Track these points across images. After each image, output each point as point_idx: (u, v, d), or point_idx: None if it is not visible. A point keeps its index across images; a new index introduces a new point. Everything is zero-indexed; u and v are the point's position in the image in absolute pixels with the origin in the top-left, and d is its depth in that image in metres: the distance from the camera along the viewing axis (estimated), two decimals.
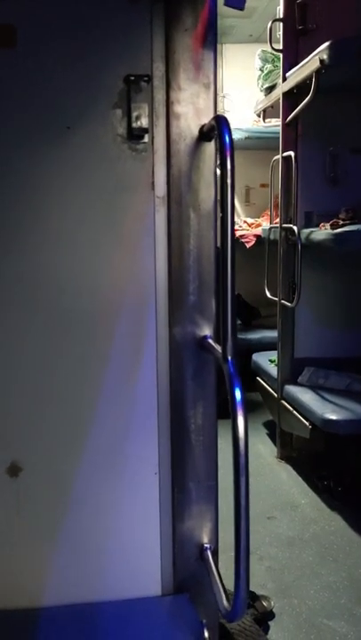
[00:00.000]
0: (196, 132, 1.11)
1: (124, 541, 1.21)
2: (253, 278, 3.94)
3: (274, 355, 3.41)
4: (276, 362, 3.31)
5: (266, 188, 3.99)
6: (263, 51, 3.43)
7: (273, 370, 3.39)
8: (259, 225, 4.26)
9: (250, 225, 4.46)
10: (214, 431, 1.21)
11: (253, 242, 4.30)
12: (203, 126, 1.09)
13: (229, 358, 0.97)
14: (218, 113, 1.07)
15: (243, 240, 4.31)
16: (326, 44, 2.56)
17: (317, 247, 2.85)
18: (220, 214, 1.06)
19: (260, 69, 3.41)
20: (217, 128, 0.96)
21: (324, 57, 2.56)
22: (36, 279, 1.12)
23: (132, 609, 1.19)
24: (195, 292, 1.16)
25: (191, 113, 1.11)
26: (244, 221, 4.55)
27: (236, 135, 4.39)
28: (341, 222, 2.73)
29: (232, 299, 0.98)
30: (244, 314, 4.57)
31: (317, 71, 2.63)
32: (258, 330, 4.45)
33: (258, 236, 4.19)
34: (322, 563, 2.38)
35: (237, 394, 0.92)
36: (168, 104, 1.10)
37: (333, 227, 2.71)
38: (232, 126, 4.03)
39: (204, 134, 1.09)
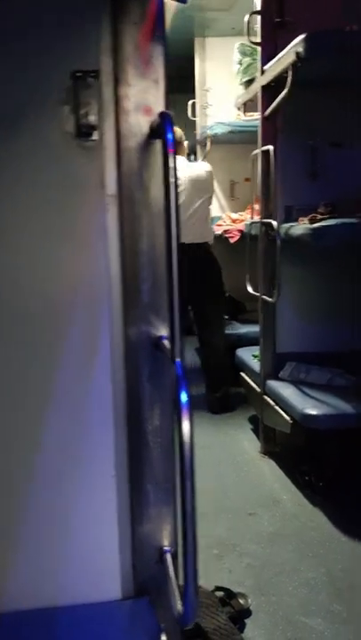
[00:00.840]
0: (146, 128, 1.09)
1: (82, 545, 1.19)
2: (239, 273, 3.92)
3: (257, 350, 3.40)
4: (259, 357, 3.30)
5: (250, 182, 3.97)
6: (242, 44, 3.41)
7: (256, 365, 3.38)
8: (243, 220, 4.24)
9: (234, 220, 4.44)
10: (172, 432, 1.20)
11: (238, 237, 4.29)
12: (152, 122, 1.07)
13: (177, 360, 0.96)
14: (165, 110, 1.05)
15: (227, 235, 4.29)
16: (302, 36, 2.54)
17: (297, 242, 2.84)
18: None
19: (239, 63, 3.39)
20: (160, 125, 0.94)
21: (300, 50, 2.53)
22: None
23: (90, 613, 1.18)
24: (149, 291, 1.14)
25: (141, 109, 1.08)
26: (228, 216, 4.53)
27: (219, 129, 4.37)
28: (320, 217, 2.72)
29: (179, 299, 0.96)
30: (230, 308, 4.56)
31: (294, 64, 2.61)
32: (243, 324, 4.44)
33: (242, 231, 4.17)
34: (302, 559, 2.38)
35: (183, 397, 0.90)
36: (117, 100, 1.08)
37: (312, 221, 2.69)
38: (215, 120, 4.05)
39: (154, 131, 1.07)
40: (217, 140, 4.55)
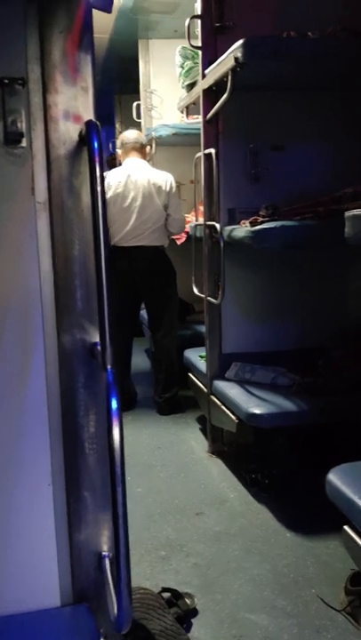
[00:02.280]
0: (75, 136, 1.09)
1: (20, 554, 1.18)
2: (186, 275, 3.95)
3: (204, 350, 3.44)
4: (206, 357, 3.33)
5: (194, 184, 4.00)
6: (183, 47, 3.43)
7: (203, 365, 3.41)
8: (189, 221, 4.27)
9: None
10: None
11: (184, 239, 4.31)
12: (81, 130, 1.07)
13: (108, 367, 0.96)
14: (91, 118, 1.05)
15: (174, 237, 4.31)
16: (240, 42, 2.57)
17: (239, 244, 2.88)
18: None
19: (181, 66, 3.41)
20: (86, 134, 0.95)
21: (239, 55, 2.57)
22: None
23: (29, 622, 1.17)
24: (82, 298, 1.14)
25: (70, 117, 1.08)
26: None
27: (163, 131, 4.39)
28: (261, 219, 2.76)
29: (108, 306, 0.97)
30: (179, 310, 4.58)
31: (233, 69, 2.64)
32: (191, 325, 4.47)
33: (188, 233, 4.20)
34: (247, 556, 2.41)
35: (113, 404, 0.91)
36: (45, 108, 1.08)
37: (253, 224, 2.74)
38: (159, 122, 4.05)
39: (84, 138, 1.07)
40: (162, 142, 4.57)
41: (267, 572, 2.30)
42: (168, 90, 4.65)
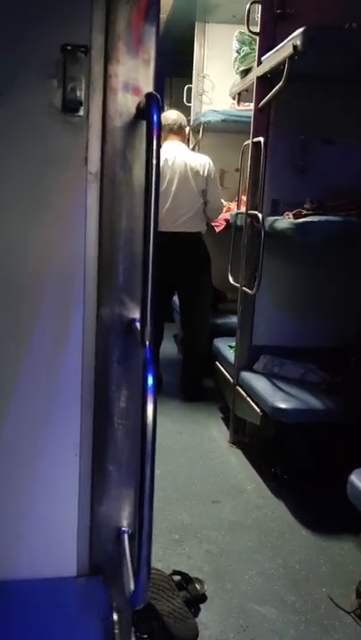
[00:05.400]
0: (133, 108, 1.08)
1: (41, 521, 1.20)
2: (221, 262, 3.92)
3: (234, 341, 3.42)
4: (235, 348, 3.32)
5: (239, 172, 3.96)
6: (241, 32, 3.38)
7: (231, 355, 3.40)
8: (229, 209, 4.23)
9: None
10: (138, 415, 1.20)
11: (223, 226, 4.28)
12: (140, 103, 1.06)
13: (147, 343, 0.96)
14: (153, 91, 1.04)
15: (213, 224, 4.28)
16: (300, 29, 2.52)
17: (280, 236, 2.84)
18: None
19: (238, 51, 3.36)
20: (146, 106, 0.94)
21: (298, 43, 2.52)
22: None
23: (44, 588, 1.18)
24: (124, 273, 1.14)
25: (129, 88, 1.07)
26: None
27: (212, 117, 4.35)
28: (305, 212, 2.72)
29: (153, 284, 0.96)
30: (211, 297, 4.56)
31: (291, 57, 2.60)
32: (223, 314, 4.44)
33: (228, 221, 4.16)
34: (260, 549, 2.41)
35: (149, 380, 0.90)
36: (106, 77, 1.07)
37: (296, 216, 2.70)
38: (208, 108, 4.01)
39: (141, 111, 1.06)
40: (209, 128, 4.53)
41: (278, 567, 2.30)
42: (220, 75, 4.60)
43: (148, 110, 0.92)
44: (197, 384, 4.05)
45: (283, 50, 2.70)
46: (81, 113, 1.07)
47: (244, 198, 3.35)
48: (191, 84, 4.88)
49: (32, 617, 1.09)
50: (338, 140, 3.11)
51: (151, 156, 0.91)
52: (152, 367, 0.92)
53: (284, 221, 2.77)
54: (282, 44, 2.73)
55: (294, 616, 2.02)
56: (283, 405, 2.67)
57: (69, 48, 1.04)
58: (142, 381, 0.90)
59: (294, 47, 2.53)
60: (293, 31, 2.62)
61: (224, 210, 4.18)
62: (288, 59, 2.62)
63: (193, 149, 4.57)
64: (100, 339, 1.16)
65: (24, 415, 1.15)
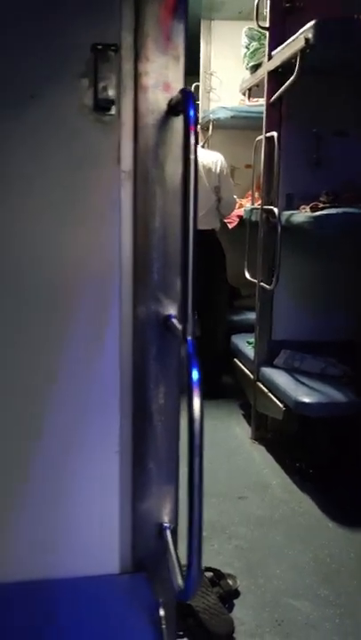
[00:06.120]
0: (164, 105, 1.08)
1: (83, 519, 1.20)
2: (235, 259, 3.93)
3: (252, 337, 3.42)
4: (254, 344, 3.32)
5: (250, 168, 3.95)
6: (250, 28, 3.38)
7: (250, 352, 3.40)
8: (242, 206, 4.23)
9: None
10: (177, 411, 1.20)
11: (236, 223, 4.28)
12: (171, 100, 1.07)
13: (189, 338, 0.96)
14: (185, 87, 1.04)
15: (226, 221, 4.28)
16: (312, 22, 2.53)
17: (297, 230, 2.84)
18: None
19: (247, 47, 3.36)
20: (182, 101, 0.94)
21: (310, 36, 2.52)
22: None
23: (88, 586, 1.19)
24: (160, 270, 1.14)
25: (160, 86, 1.07)
26: None
27: (222, 114, 4.34)
28: (321, 205, 2.72)
29: (194, 278, 0.96)
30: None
31: (302, 50, 2.60)
32: (239, 311, 4.44)
33: (241, 217, 4.16)
34: (289, 543, 2.41)
35: (194, 374, 0.91)
36: (136, 75, 1.07)
37: (313, 209, 2.70)
38: (217, 105, 4.00)
39: (173, 108, 1.06)
40: (219, 125, 4.52)
41: (309, 560, 2.30)
42: (228, 72, 4.59)
43: (183, 106, 0.92)
44: (216, 382, 4.05)
45: (294, 43, 2.70)
46: (113, 112, 1.08)
47: (257, 194, 3.35)
48: (199, 81, 4.88)
49: (80, 615, 1.10)
50: (351, 132, 3.11)
51: (189, 151, 0.91)
52: (196, 361, 0.92)
53: (301, 215, 2.77)
54: (293, 37, 2.73)
55: (328, 609, 2.02)
56: (306, 400, 2.67)
57: (100, 47, 1.04)
58: (187, 376, 0.91)
59: (306, 40, 2.54)
60: (303, 25, 2.62)
61: (236, 206, 4.17)
62: (300, 52, 2.61)
63: (203, 147, 4.56)
64: (137, 336, 1.16)
65: (64, 414, 1.16)
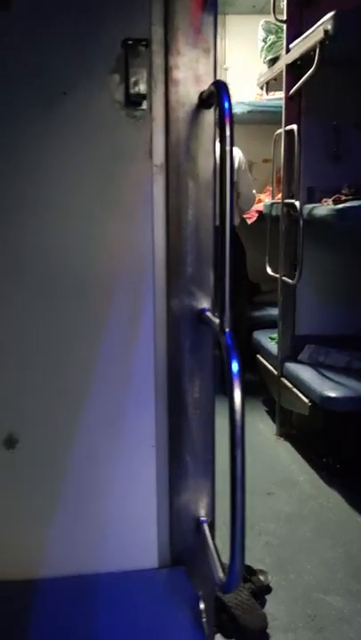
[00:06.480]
0: (195, 98, 1.08)
1: (121, 513, 1.21)
2: (254, 254, 3.91)
3: (274, 332, 3.40)
4: (277, 339, 3.30)
5: (268, 163, 3.94)
6: (267, 21, 3.36)
7: (273, 347, 3.38)
8: (260, 201, 4.21)
9: None
10: (211, 405, 1.20)
11: (255, 218, 4.26)
12: (202, 93, 1.06)
13: (227, 330, 0.96)
14: (213, 80, 1.04)
15: (245, 216, 4.26)
16: (331, 14, 2.51)
17: (319, 223, 2.82)
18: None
19: (264, 41, 3.34)
20: (216, 94, 0.94)
21: (329, 27, 2.50)
22: (32, 250, 1.10)
23: (128, 580, 1.19)
24: (193, 263, 1.14)
25: (190, 79, 1.08)
26: None
27: (237, 109, 4.32)
28: (344, 198, 2.70)
29: (230, 271, 0.96)
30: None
31: (322, 42, 2.58)
32: (260, 307, 4.43)
33: (260, 212, 4.14)
34: (319, 538, 2.39)
35: (235, 366, 0.90)
36: (167, 69, 1.07)
37: (336, 202, 2.68)
38: (234, 100, 3.97)
39: (204, 101, 1.06)
40: (236, 120, 4.48)
41: (339, 556, 2.28)
42: (243, 67, 4.57)
43: (218, 97, 0.92)
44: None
45: (312, 35, 2.68)
46: (144, 106, 1.08)
47: (276, 188, 3.33)
48: None
49: (123, 608, 1.11)
50: None
51: (224, 142, 0.91)
52: (235, 352, 0.92)
53: (324, 208, 2.75)
54: (311, 29, 2.71)
55: None
56: (332, 394, 2.65)
57: (130, 43, 1.05)
58: (227, 368, 0.91)
59: (325, 32, 2.52)
60: (320, 17, 2.60)
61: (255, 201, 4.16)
62: (319, 44, 2.60)
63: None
64: (171, 330, 1.16)
65: (100, 409, 1.17)
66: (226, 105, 0.91)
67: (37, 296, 1.11)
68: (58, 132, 1.07)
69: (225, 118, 0.91)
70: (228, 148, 0.90)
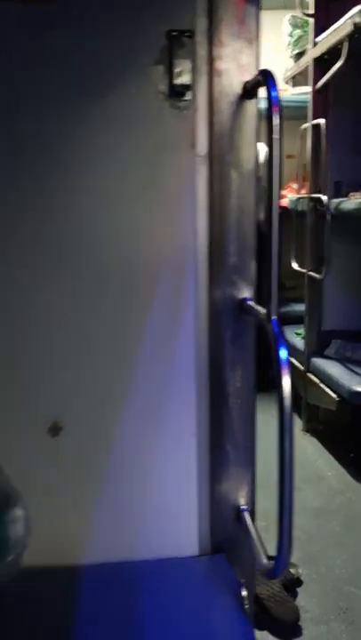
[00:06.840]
0: (238, 89, 1.09)
1: (162, 501, 1.22)
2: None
3: (299, 328, 3.40)
4: (303, 335, 3.29)
5: (291, 159, 3.92)
6: (293, 16, 3.35)
7: (299, 343, 3.37)
8: (283, 197, 4.19)
9: None
10: (253, 394, 1.21)
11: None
12: (246, 83, 1.07)
13: (273, 318, 0.96)
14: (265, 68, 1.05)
15: None
16: (359, 6, 2.49)
17: (346, 217, 2.81)
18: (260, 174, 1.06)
19: (290, 35, 3.34)
20: (263, 82, 0.94)
21: (358, 20, 2.49)
22: (77, 240, 1.12)
23: (170, 568, 1.20)
24: (235, 253, 1.15)
25: (234, 69, 1.08)
26: None
27: (263, 105, 4.31)
28: None
29: (277, 259, 0.97)
30: None
31: (350, 35, 2.56)
32: (283, 303, 4.40)
33: (283, 208, 4.13)
34: (348, 533, 2.39)
35: (282, 353, 0.91)
36: (211, 60, 1.08)
37: None
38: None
39: (248, 91, 1.07)
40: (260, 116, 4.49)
41: None
42: (268, 62, 4.54)
43: (266, 86, 0.93)
44: (263, 374, 4.03)
45: (341, 29, 2.67)
46: (188, 97, 1.09)
47: (301, 183, 3.32)
48: None
49: (167, 595, 1.12)
50: None
51: (272, 131, 0.92)
52: (282, 340, 0.93)
53: (352, 202, 2.74)
54: (339, 23, 2.70)
55: None
56: None
57: (175, 34, 1.06)
58: (275, 355, 0.91)
59: (355, 25, 2.50)
60: (346, 11, 2.59)
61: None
62: (347, 37, 2.58)
63: None
64: (213, 319, 1.17)
65: (142, 397, 1.18)
66: (274, 94, 0.91)
67: (83, 284, 1.13)
68: (101, 124, 1.08)
69: (273, 107, 0.91)
70: (276, 136, 0.91)
